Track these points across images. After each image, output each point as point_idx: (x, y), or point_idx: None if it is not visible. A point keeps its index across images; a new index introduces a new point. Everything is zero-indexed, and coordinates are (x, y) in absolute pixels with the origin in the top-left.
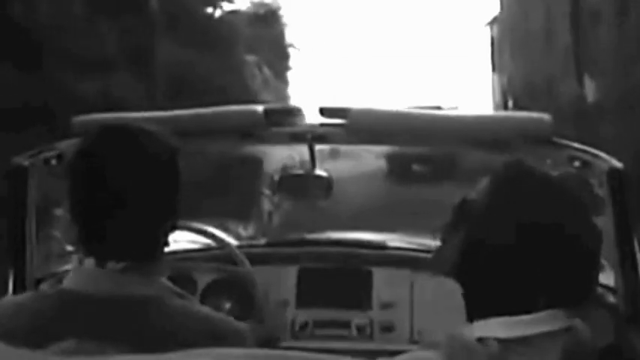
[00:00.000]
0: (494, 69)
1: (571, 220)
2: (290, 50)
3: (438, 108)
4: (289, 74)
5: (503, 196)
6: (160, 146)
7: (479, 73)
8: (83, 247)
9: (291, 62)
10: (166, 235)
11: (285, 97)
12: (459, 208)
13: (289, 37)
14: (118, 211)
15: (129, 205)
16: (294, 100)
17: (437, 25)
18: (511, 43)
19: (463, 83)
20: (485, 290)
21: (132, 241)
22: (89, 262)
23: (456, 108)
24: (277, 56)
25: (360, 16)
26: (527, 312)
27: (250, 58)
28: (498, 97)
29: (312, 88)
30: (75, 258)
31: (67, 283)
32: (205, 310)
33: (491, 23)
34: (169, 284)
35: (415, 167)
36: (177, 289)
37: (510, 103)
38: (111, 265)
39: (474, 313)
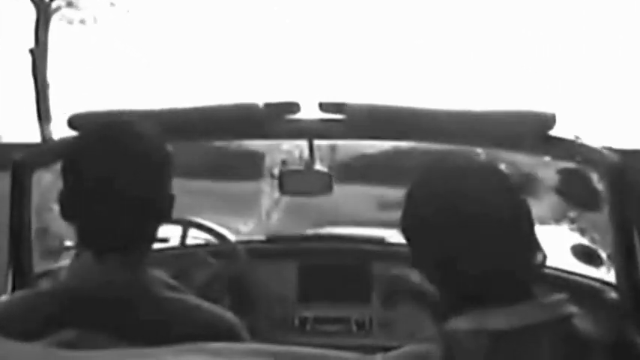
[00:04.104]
0: None
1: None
2: None
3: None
4: None
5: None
6: (150, 142)
7: None
8: (76, 241)
9: None
10: (156, 228)
11: None
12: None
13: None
14: (108, 204)
15: (117, 199)
16: None
17: None
18: None
19: None
20: (472, 281)
21: (122, 235)
22: (84, 256)
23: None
24: None
25: None
26: (519, 301)
27: None
28: None
29: None
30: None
31: (62, 279)
32: (198, 302)
33: None
34: (162, 276)
35: None
36: (171, 281)
37: None
38: (104, 258)
39: (461, 306)
